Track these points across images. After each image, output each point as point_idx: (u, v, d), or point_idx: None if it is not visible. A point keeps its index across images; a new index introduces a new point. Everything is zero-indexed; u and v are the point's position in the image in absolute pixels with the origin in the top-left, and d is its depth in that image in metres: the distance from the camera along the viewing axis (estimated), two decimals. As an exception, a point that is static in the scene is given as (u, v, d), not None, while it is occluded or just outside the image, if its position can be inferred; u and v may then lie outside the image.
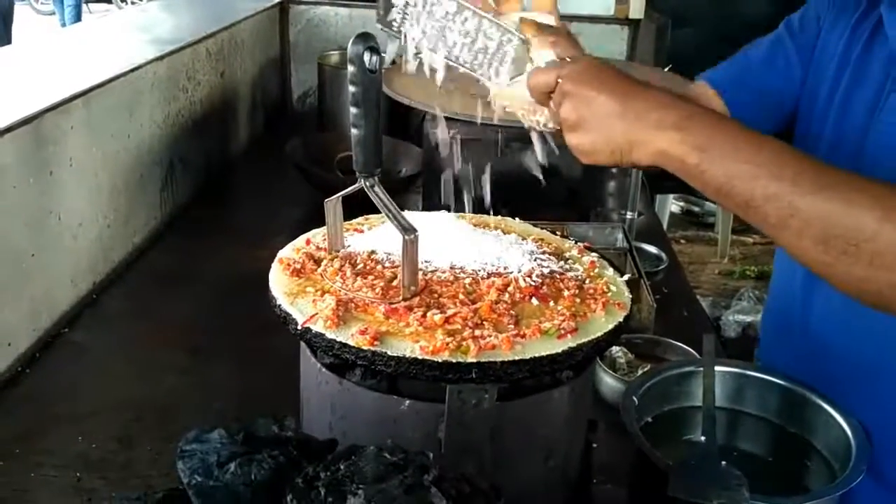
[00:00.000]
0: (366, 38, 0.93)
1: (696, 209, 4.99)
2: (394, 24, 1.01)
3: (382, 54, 0.96)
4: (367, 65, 0.93)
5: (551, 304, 0.99)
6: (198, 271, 1.89)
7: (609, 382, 1.41)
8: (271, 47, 2.98)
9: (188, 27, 2.43)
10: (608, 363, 1.46)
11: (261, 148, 2.73)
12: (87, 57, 2.02)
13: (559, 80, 0.98)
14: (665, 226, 3.14)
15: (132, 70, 1.89)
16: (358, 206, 1.14)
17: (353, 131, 0.97)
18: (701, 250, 4.65)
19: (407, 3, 1.00)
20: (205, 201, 2.26)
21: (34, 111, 1.52)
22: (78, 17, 7.97)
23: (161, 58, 2.03)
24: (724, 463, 1.00)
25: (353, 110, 0.96)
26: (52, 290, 1.61)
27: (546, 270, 1.06)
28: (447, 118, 1.99)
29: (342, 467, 0.66)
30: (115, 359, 1.57)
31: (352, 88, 0.95)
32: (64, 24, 7.78)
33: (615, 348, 1.49)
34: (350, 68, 0.94)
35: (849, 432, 1.08)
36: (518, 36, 1.02)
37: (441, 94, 2.09)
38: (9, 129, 1.44)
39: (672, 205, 4.72)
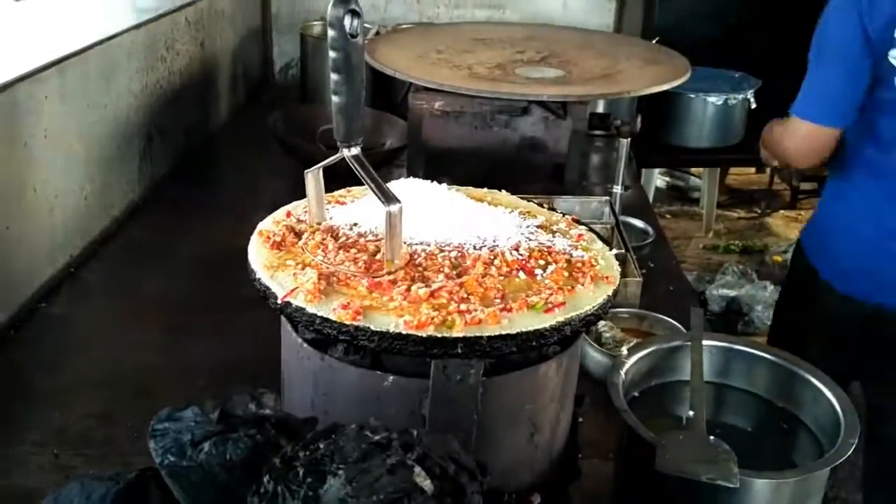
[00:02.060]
0: (346, 1, 0.89)
1: (682, 184, 4.98)
2: None
3: (368, 24, 0.93)
4: (347, 29, 0.89)
5: (538, 277, 0.97)
6: (178, 245, 1.86)
7: (595, 357, 1.40)
8: (253, 17, 2.93)
9: (166, -5, 2.38)
10: (594, 338, 1.45)
11: (242, 120, 2.69)
12: (62, 24, 1.97)
13: None
14: (651, 200, 3.14)
15: (108, 38, 1.84)
16: (341, 178, 1.12)
17: (334, 99, 0.94)
18: (686, 225, 4.65)
19: None
20: (184, 174, 2.23)
21: (6, 80, 1.47)
22: None
23: (138, 26, 1.99)
24: (712, 438, 0.99)
25: (333, 77, 0.93)
26: (28, 264, 1.58)
27: (533, 244, 1.04)
28: (430, 89, 1.97)
29: (321, 447, 0.64)
30: (94, 334, 1.54)
31: (332, 54, 0.92)
32: None
33: (601, 323, 1.47)
34: (330, 32, 0.90)
35: (837, 407, 1.07)
36: None
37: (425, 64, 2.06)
38: (-21, 99, 1.40)
39: (657, 179, 4.71)
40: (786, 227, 4.67)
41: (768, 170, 4.93)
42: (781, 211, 4.82)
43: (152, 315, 1.59)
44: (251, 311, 1.31)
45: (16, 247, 1.52)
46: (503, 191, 1.22)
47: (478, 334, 0.87)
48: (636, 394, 1.16)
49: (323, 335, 0.90)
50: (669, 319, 1.50)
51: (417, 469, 0.62)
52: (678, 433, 1.01)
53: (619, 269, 1.03)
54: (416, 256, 0.98)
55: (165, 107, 2.14)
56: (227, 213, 1.93)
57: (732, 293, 3.71)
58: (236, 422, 0.69)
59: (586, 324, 0.95)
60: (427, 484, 0.61)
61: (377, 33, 2.61)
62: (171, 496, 0.66)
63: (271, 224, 1.07)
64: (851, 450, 0.99)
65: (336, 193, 1.15)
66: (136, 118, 1.98)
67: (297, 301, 0.90)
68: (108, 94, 1.85)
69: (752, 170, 5.08)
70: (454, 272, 0.96)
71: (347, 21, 0.89)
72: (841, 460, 0.98)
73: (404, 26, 2.77)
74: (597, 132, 2.42)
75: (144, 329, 1.54)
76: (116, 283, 1.71)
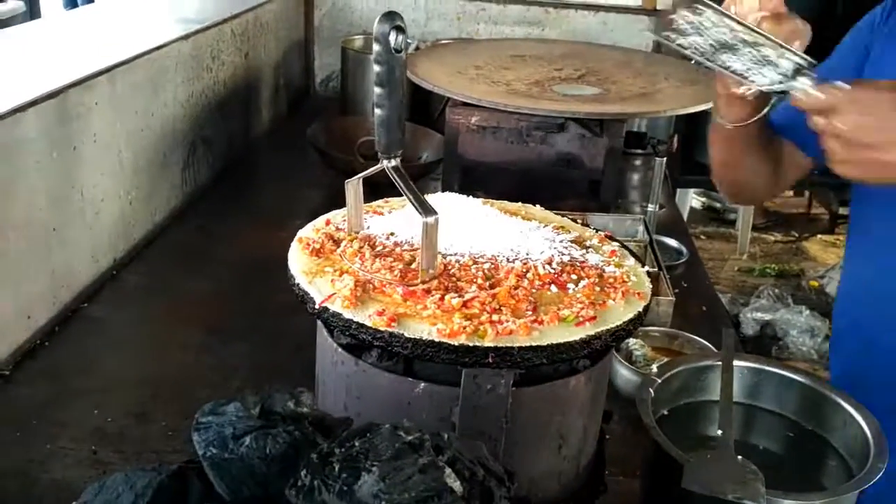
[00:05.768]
0: (392, 18, 0.92)
1: (718, 205, 4.94)
2: (671, 37, 1.02)
3: (409, 39, 0.95)
4: (392, 44, 0.92)
5: (570, 291, 0.99)
6: (218, 250, 1.90)
7: (625, 375, 1.40)
8: (296, 30, 2.98)
9: (214, 7, 2.43)
10: (625, 355, 1.45)
11: (283, 130, 2.73)
12: (113, 34, 2.03)
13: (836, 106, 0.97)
14: (685, 220, 3.13)
15: (157, 48, 1.89)
16: (379, 190, 1.14)
17: (377, 111, 0.97)
18: (721, 246, 4.62)
19: (689, 24, 1.00)
20: (226, 182, 2.27)
21: (59, 86, 1.52)
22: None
23: (186, 37, 2.04)
24: (739, 457, 0.99)
25: (377, 90, 0.96)
26: (72, 265, 1.62)
27: (566, 258, 1.05)
28: (468, 104, 1.99)
29: (357, 444, 0.66)
30: (133, 335, 1.58)
31: (376, 68, 0.94)
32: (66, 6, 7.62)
33: (632, 340, 1.48)
34: (375, 47, 0.93)
35: (866, 430, 1.07)
36: (797, 60, 1.01)
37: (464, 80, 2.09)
38: (33, 103, 1.44)
39: (693, 200, 4.69)
40: (823, 251, 4.62)
41: (807, 193, 4.89)
42: (819, 235, 4.76)
43: (191, 317, 1.62)
44: (289, 315, 1.34)
45: (61, 248, 1.57)
46: (537, 206, 1.24)
47: (509, 345, 0.88)
48: (665, 412, 1.16)
49: (358, 340, 0.92)
50: (701, 339, 1.50)
51: (448, 470, 0.64)
52: (706, 452, 1.01)
53: (651, 286, 1.04)
54: (450, 267, 1.00)
55: (210, 116, 2.19)
56: (266, 221, 1.96)
57: (767, 317, 3.67)
58: (276, 418, 0.72)
59: (616, 338, 0.96)
60: (457, 485, 0.63)
61: (417, 48, 2.64)
62: (210, 487, 0.69)
63: (311, 231, 1.09)
64: (880, 474, 0.99)
65: (374, 204, 1.18)
66: (181, 126, 2.03)
67: (334, 306, 0.92)
68: (155, 102, 1.90)
69: (790, 192, 5.04)
70: (487, 283, 0.98)
71: (392, 36, 0.92)
72: (870, 484, 0.98)
73: (444, 42, 2.80)
74: (633, 150, 2.43)
75: (183, 331, 1.58)
76: (157, 286, 1.75)
